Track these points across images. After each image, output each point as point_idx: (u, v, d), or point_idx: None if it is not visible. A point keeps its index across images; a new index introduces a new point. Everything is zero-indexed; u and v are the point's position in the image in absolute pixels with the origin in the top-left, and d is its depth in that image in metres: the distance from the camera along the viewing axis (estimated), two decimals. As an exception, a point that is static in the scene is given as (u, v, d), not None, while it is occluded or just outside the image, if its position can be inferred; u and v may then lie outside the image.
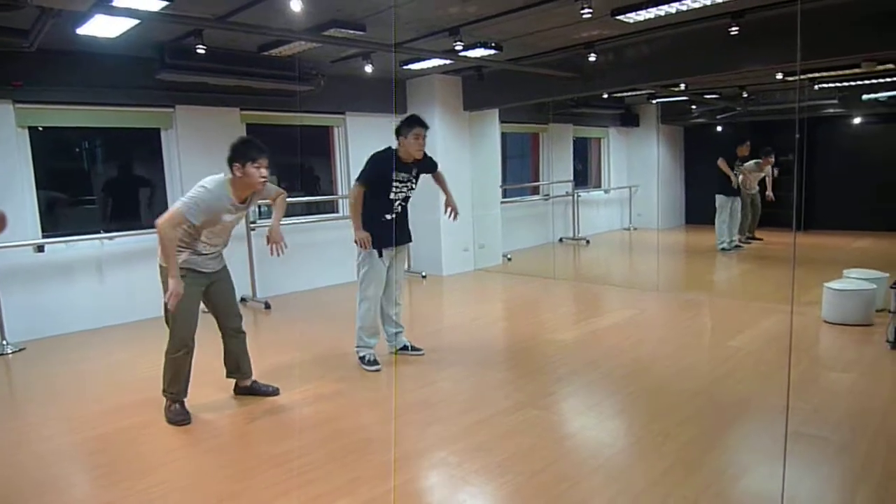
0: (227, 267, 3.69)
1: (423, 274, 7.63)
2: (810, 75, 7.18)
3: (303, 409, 3.59)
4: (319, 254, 7.35)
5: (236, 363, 3.76)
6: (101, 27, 4.37)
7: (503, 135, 9.79)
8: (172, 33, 5.03)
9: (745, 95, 8.96)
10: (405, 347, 4.54)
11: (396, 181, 4.16)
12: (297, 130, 7.37)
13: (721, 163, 8.64)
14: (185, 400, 3.53)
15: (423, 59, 6.24)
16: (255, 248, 6.58)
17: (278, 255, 3.67)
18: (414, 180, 4.32)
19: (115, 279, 5.88)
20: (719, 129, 10.92)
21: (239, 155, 3.30)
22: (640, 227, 11.76)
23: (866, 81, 7.89)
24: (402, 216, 4.33)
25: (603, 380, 3.90)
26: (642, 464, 2.83)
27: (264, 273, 6.81)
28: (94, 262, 5.79)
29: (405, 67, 6.54)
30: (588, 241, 10.28)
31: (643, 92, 8.98)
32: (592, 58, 5.89)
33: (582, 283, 7.36)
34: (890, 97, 8.50)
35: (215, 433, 3.34)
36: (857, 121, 10.20)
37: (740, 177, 8.86)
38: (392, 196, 4.17)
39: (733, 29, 4.91)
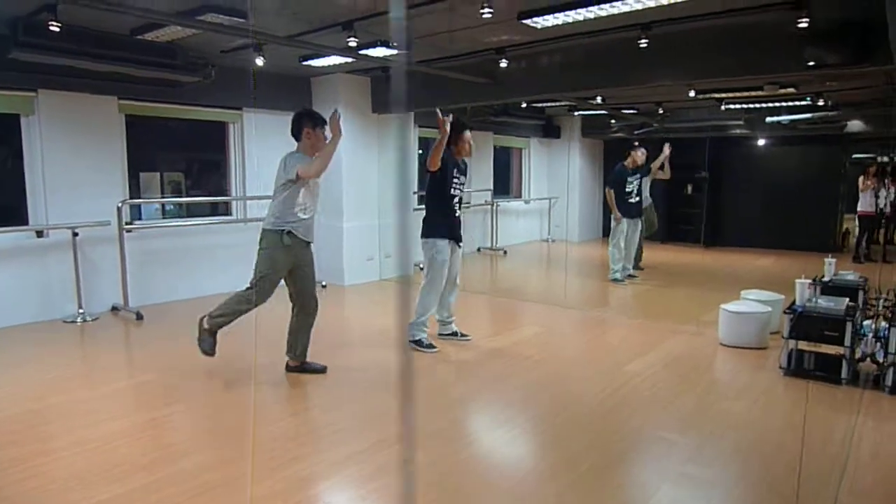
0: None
1: (323, 283, 7.17)
2: (717, 95, 7.24)
3: (138, 441, 3.09)
4: (210, 258, 6.76)
5: (297, 342, 4.07)
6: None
7: (424, 140, 9.48)
8: (27, 8, 4.40)
9: (660, 112, 9.01)
10: (454, 334, 4.95)
11: (456, 179, 4.70)
12: (192, 124, 6.80)
13: (608, 194, 7.60)
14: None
15: (323, 56, 5.82)
16: (129, 252, 5.94)
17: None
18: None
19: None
20: (637, 143, 10.99)
21: (307, 120, 3.89)
22: (558, 239, 11.71)
23: (770, 104, 8.07)
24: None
25: (496, 405, 3.61)
26: (511, 514, 2.52)
27: (143, 279, 6.18)
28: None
29: (305, 64, 6.09)
30: (505, 252, 10.08)
31: (564, 104, 8.88)
32: (504, 64, 5.64)
33: (492, 297, 7.10)
34: (792, 120, 8.74)
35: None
36: (761, 142, 10.50)
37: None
38: (454, 192, 4.69)
39: (643, 41, 4.77)
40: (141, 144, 6.83)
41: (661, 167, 8.16)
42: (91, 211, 5.73)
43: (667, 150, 7.99)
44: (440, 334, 4.97)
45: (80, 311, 5.63)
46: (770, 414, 3.52)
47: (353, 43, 4.70)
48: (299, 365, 4.15)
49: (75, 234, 5.52)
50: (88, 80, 5.54)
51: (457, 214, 4.74)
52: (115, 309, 5.97)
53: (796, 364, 4.17)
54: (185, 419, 3.48)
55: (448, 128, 4.45)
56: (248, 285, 3.89)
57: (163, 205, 7.09)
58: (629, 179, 7.54)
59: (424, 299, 4.70)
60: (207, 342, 3.90)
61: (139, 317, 5.68)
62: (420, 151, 9.38)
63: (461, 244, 4.88)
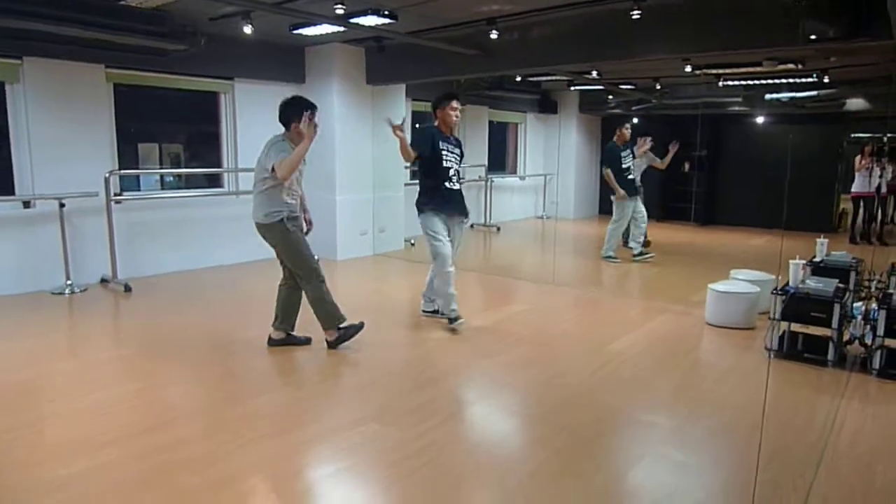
0: None
1: (317, 257, 7.11)
2: (714, 71, 7.11)
3: (116, 413, 3.07)
4: (201, 231, 6.73)
5: (293, 315, 4.14)
6: None
7: (417, 113, 9.36)
8: (4, -30, 4.30)
9: (657, 87, 8.86)
10: (436, 311, 4.88)
11: (445, 151, 4.53)
12: (192, 96, 6.69)
13: (607, 175, 7.33)
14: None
15: (315, 24, 5.69)
16: (119, 223, 5.91)
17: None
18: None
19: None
20: (635, 120, 10.86)
21: (294, 112, 3.75)
22: (553, 217, 11.65)
23: (769, 81, 7.93)
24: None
25: (468, 384, 3.59)
26: (487, 493, 2.52)
27: (133, 250, 6.16)
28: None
29: (296, 32, 5.96)
30: (499, 229, 10.02)
31: (561, 78, 8.74)
32: (495, 35, 5.53)
33: (482, 274, 7.06)
34: (791, 98, 8.61)
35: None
36: (760, 120, 10.37)
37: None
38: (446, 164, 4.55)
39: (635, 13, 4.66)
40: (140, 115, 6.81)
41: (656, 156, 7.95)
42: (80, 181, 5.67)
43: (648, 143, 7.69)
44: (423, 311, 4.93)
45: (69, 282, 5.60)
46: (751, 396, 3.49)
47: (340, 10, 4.58)
48: (285, 337, 4.15)
49: (62, 205, 5.47)
50: (74, 48, 5.43)
51: (452, 187, 4.56)
52: (104, 281, 5.95)
53: (787, 345, 4.14)
54: (162, 393, 3.47)
55: (401, 133, 4.22)
56: (300, 278, 3.99)
57: (161, 176, 7.04)
58: (623, 156, 7.30)
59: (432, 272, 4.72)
60: (346, 334, 4.08)
61: (127, 289, 5.66)
62: (417, 125, 9.30)
63: (466, 218, 4.77)
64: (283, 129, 3.88)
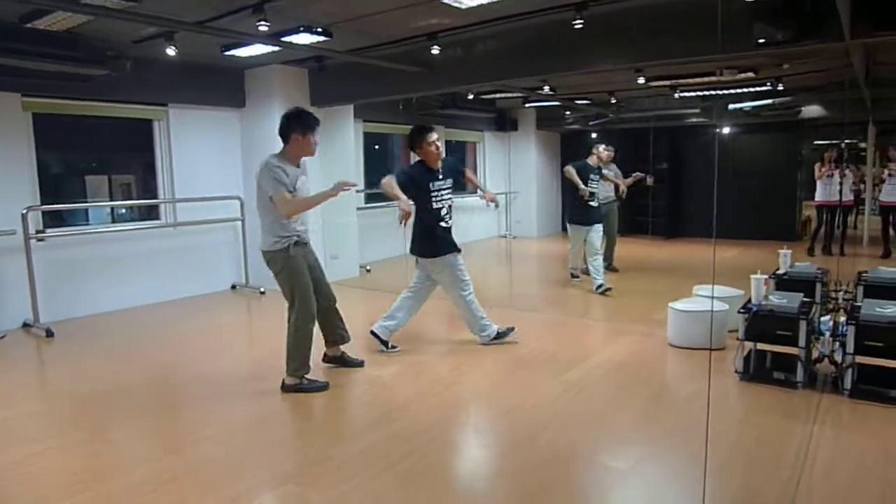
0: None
1: (262, 290, 6.73)
2: (669, 82, 6.94)
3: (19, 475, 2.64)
4: (138, 267, 6.29)
5: (337, 329, 4.07)
6: None
7: (369, 135, 9.07)
8: None
9: (613, 101, 8.71)
10: (385, 343, 4.56)
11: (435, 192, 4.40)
12: (129, 123, 6.29)
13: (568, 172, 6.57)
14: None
15: (246, 45, 5.37)
16: (42, 261, 5.46)
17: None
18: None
19: None
20: (594, 135, 10.70)
21: (297, 125, 3.61)
22: (519, 236, 11.39)
23: (725, 91, 7.82)
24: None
25: (407, 429, 3.22)
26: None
27: (62, 291, 5.73)
28: None
29: (228, 54, 5.63)
30: (460, 251, 9.69)
31: (515, 95, 8.52)
32: (436, 50, 5.26)
33: (433, 299, 6.68)
34: (750, 107, 8.51)
35: None
36: (720, 130, 10.30)
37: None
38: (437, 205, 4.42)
39: (577, 22, 4.44)
40: (86, 147, 6.50)
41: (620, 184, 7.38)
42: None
43: (626, 183, 7.36)
44: (372, 331, 4.57)
45: (-17, 328, 5.14)
46: (720, 428, 3.19)
47: (264, 27, 4.27)
48: (339, 356, 4.16)
49: (-28, 245, 5.02)
50: (-19, 75, 5.03)
51: (446, 226, 4.45)
52: (26, 325, 5.47)
53: (754, 367, 3.87)
54: (67, 455, 3.03)
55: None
56: (291, 306, 3.75)
57: (112, 209, 6.62)
58: (591, 177, 6.58)
59: (472, 304, 4.59)
60: (314, 383, 3.81)
61: (49, 334, 5.19)
62: (378, 147, 8.99)
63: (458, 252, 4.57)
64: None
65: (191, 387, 3.98)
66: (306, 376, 3.81)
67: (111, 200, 6.66)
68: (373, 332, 4.54)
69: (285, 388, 3.78)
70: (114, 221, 6.60)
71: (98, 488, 2.67)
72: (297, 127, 3.62)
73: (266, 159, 3.60)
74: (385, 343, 4.53)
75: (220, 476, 2.77)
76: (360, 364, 4.22)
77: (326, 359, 4.19)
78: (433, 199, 4.37)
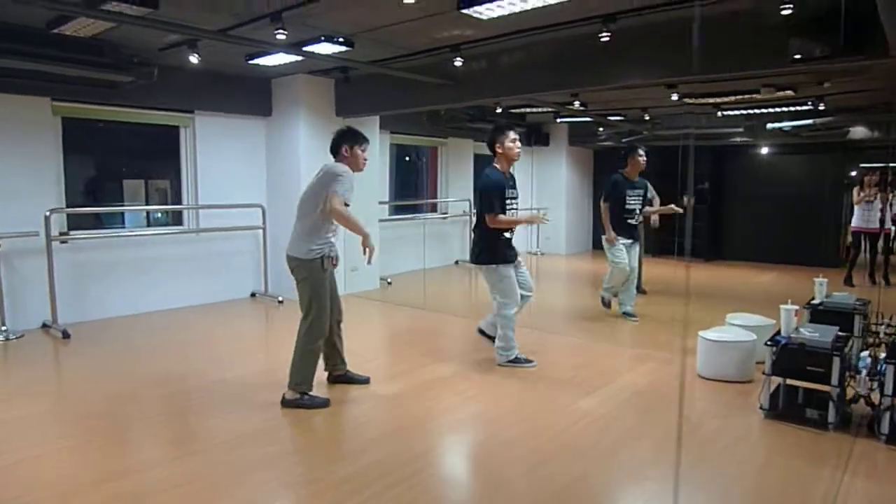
0: None
1: (280, 299, 6.68)
2: (711, 100, 6.67)
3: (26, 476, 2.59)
4: (159, 271, 6.32)
5: (339, 353, 4.06)
6: None
7: (399, 147, 9.03)
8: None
9: (646, 118, 8.46)
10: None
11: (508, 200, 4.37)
12: (162, 129, 6.37)
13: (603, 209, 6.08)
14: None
15: (270, 54, 5.36)
16: (64, 264, 5.53)
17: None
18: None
19: None
20: (635, 147, 10.43)
21: (349, 138, 3.74)
22: (547, 252, 11.16)
23: (771, 110, 7.50)
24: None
25: (393, 458, 3.06)
26: None
27: (82, 293, 5.79)
28: None
29: (252, 62, 5.63)
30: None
31: (547, 110, 8.36)
32: (459, 62, 5.15)
33: (455, 316, 6.53)
34: (794, 127, 8.15)
35: None
36: (764, 150, 9.92)
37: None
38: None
39: (604, 35, 4.27)
40: (122, 151, 6.62)
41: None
42: (20, 220, 5.31)
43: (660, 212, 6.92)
44: (512, 360, 4.53)
45: (3, 328, 5.19)
46: (741, 471, 2.96)
47: (281, 35, 4.22)
48: (343, 374, 4.10)
49: (-3, 246, 5.10)
50: (13, 79, 5.12)
51: (510, 237, 4.42)
52: (45, 326, 5.53)
53: (783, 404, 3.60)
54: (63, 462, 2.98)
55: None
56: (305, 318, 3.73)
57: (147, 213, 6.71)
58: (629, 194, 5.90)
59: (507, 317, 4.48)
60: (315, 399, 3.72)
61: (66, 335, 5.22)
62: (408, 158, 8.92)
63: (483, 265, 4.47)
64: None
65: (201, 393, 3.94)
66: (308, 392, 3.71)
67: (147, 205, 6.73)
68: (512, 361, 4.52)
69: (285, 403, 3.68)
70: (149, 226, 6.70)
71: (109, 488, 2.59)
72: (346, 140, 3.72)
73: (333, 164, 3.67)
74: (522, 360, 4.53)
75: (189, 500, 2.66)
76: (366, 381, 4.13)
77: (332, 379, 4.12)
78: (506, 207, 4.31)
